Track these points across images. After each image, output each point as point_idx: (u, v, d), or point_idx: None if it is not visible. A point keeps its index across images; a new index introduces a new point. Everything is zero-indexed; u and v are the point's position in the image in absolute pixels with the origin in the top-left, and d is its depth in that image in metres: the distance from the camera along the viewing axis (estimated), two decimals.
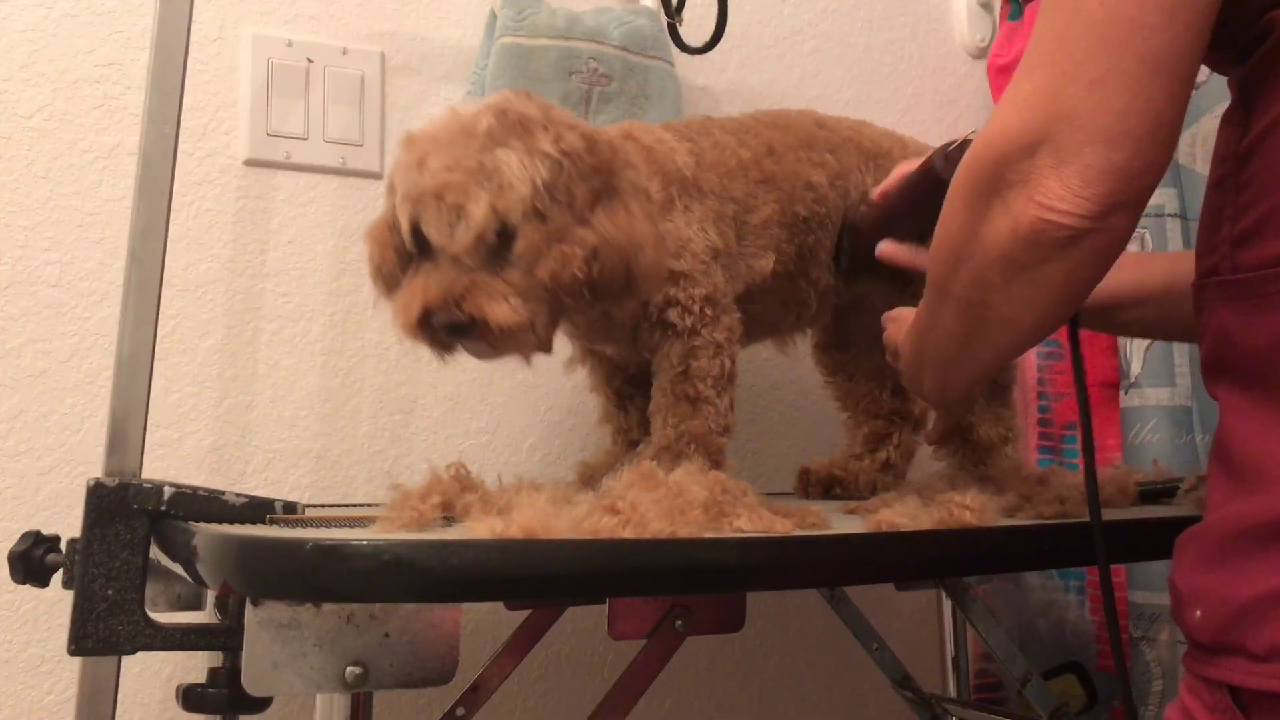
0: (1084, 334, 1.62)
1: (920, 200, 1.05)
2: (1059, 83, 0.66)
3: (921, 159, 1.09)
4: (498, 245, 0.90)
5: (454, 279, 0.90)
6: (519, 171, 0.90)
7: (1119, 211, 0.67)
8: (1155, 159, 0.67)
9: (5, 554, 0.96)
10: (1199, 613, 0.68)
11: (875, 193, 1.15)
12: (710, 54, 1.49)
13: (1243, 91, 0.72)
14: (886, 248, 1.12)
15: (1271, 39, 0.68)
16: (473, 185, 0.89)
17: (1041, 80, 0.68)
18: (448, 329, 0.91)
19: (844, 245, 1.18)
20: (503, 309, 0.89)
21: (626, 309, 1.00)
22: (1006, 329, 0.78)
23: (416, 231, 0.93)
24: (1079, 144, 0.66)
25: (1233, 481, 0.69)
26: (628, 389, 1.17)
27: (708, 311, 1.03)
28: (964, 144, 1.01)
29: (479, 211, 0.89)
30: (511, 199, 0.89)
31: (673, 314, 1.03)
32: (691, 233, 1.04)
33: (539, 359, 1.45)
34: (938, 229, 0.79)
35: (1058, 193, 0.67)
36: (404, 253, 0.96)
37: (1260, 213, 0.69)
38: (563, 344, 1.21)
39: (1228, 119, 0.73)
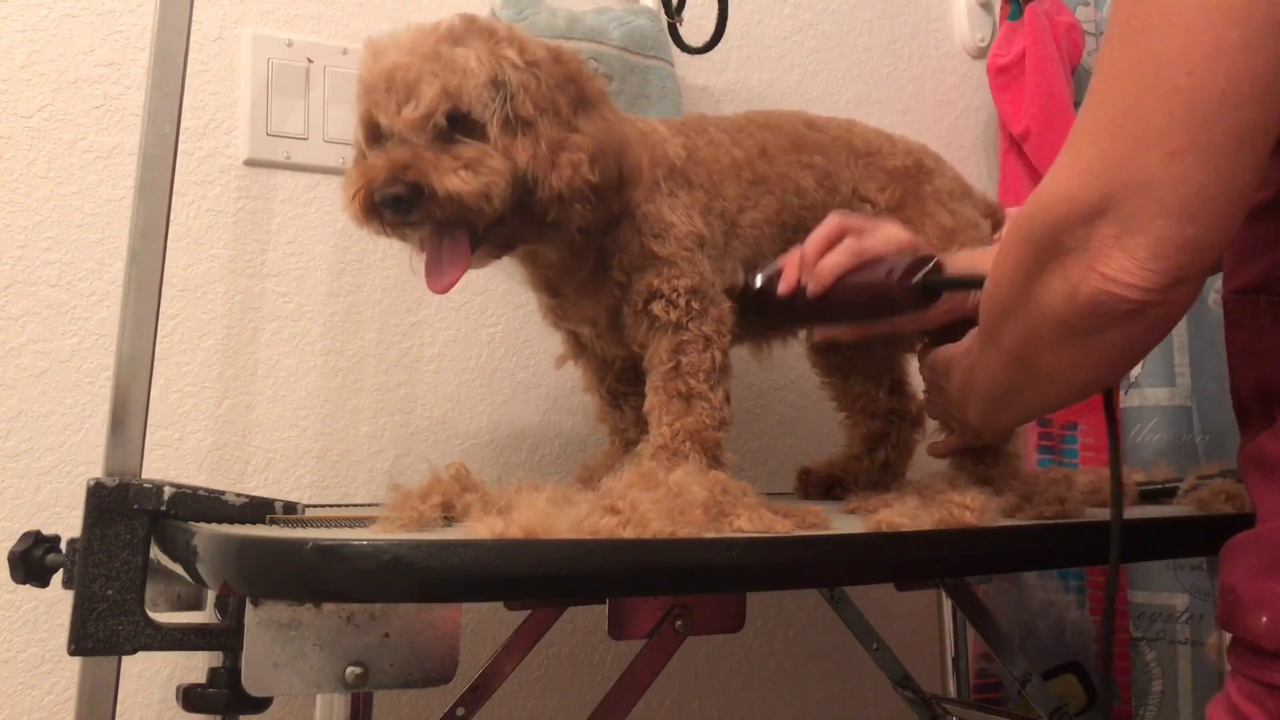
0: None
1: (861, 309, 1.04)
2: (1131, 151, 0.64)
3: (849, 238, 1.03)
4: (449, 130, 0.90)
5: (399, 154, 0.90)
6: (476, 64, 0.91)
7: (1185, 284, 0.65)
8: (1229, 231, 0.65)
9: (5, 554, 0.96)
10: (1265, 618, 0.67)
11: (786, 264, 1.06)
12: (710, 54, 1.49)
13: None
14: (826, 334, 1.13)
15: None
16: (426, 70, 0.90)
17: (1108, 147, 0.65)
18: (391, 202, 0.89)
19: (746, 304, 1.09)
20: (453, 178, 0.89)
21: (614, 207, 0.99)
22: (1055, 384, 0.76)
23: (371, 125, 0.93)
24: (1151, 215, 0.63)
25: None
26: (621, 388, 1.16)
27: (694, 304, 1.02)
28: (931, 270, 0.97)
29: (430, 91, 0.89)
30: (466, 84, 0.90)
31: (657, 307, 1.02)
32: (675, 218, 1.02)
33: (539, 360, 1.46)
34: (989, 276, 0.77)
35: (1123, 264, 0.65)
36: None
37: None
38: (554, 341, 1.21)
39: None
